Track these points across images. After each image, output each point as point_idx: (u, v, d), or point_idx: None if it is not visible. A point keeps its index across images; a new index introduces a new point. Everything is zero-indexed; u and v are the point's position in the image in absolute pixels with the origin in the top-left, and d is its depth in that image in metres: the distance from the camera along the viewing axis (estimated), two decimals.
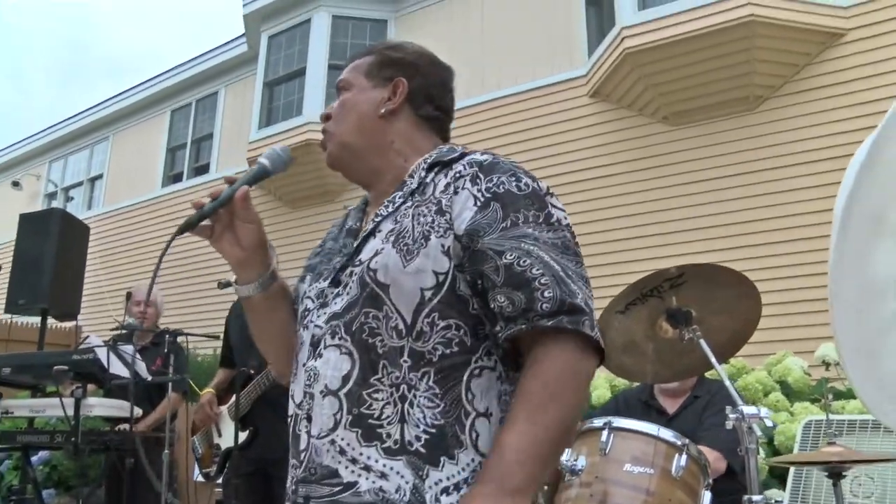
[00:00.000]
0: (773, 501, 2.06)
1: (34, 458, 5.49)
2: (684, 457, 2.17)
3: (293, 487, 1.22)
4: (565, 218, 1.25)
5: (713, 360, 2.21)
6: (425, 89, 1.43)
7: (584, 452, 2.29)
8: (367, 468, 1.13)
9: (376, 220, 1.29)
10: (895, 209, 1.05)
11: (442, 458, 1.12)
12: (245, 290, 1.36)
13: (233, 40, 11.59)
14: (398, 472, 1.11)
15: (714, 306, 2.42)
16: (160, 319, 5.14)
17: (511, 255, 1.13)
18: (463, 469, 1.12)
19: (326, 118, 1.42)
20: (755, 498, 1.88)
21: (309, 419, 1.21)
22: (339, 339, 1.20)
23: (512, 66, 8.57)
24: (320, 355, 1.22)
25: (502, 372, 1.19)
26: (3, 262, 13.67)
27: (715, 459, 2.48)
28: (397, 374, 1.15)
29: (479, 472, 1.10)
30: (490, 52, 8.81)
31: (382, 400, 1.14)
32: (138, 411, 4.17)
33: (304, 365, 1.26)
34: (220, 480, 3.94)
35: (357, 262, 1.25)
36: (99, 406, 3.91)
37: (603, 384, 5.15)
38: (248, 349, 3.63)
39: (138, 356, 4.14)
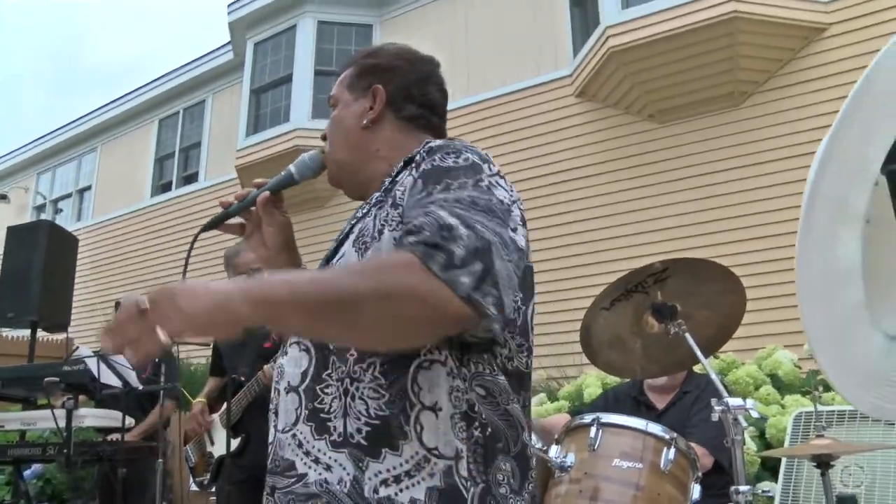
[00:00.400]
0: (760, 492, 2.07)
1: (27, 472, 5.48)
2: (672, 450, 2.19)
3: (267, 478, 1.26)
4: (506, 193, 1.17)
5: (699, 353, 2.23)
6: (404, 90, 1.40)
7: (573, 449, 2.31)
8: (317, 460, 1.16)
9: (352, 222, 1.31)
10: (855, 197, 1.07)
11: (384, 451, 1.12)
12: None
13: (219, 48, 11.58)
14: (341, 465, 1.13)
15: (699, 300, 2.44)
16: None
17: (410, 225, 1.08)
18: (406, 461, 1.11)
19: (324, 138, 1.45)
20: (742, 488, 1.90)
21: (276, 413, 1.26)
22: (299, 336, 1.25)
23: (497, 68, 8.59)
24: (286, 353, 1.27)
25: (454, 367, 1.15)
26: None
27: (702, 455, 2.49)
28: (344, 368, 1.16)
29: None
30: (475, 55, 8.84)
31: (332, 394, 1.17)
32: (130, 421, 4.17)
33: (276, 362, 1.32)
34: (213, 489, 3.94)
35: (335, 265, 1.28)
36: (90, 417, 3.90)
37: (594, 382, 5.17)
38: (238, 356, 3.63)
39: (129, 365, 4.13)
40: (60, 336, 9.05)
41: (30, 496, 4.40)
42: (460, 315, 1.01)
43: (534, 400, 5.86)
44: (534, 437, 2.64)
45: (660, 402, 3.21)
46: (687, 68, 6.82)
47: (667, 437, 2.23)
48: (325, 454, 1.15)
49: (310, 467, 1.16)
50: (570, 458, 2.27)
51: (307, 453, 1.17)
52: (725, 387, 2.21)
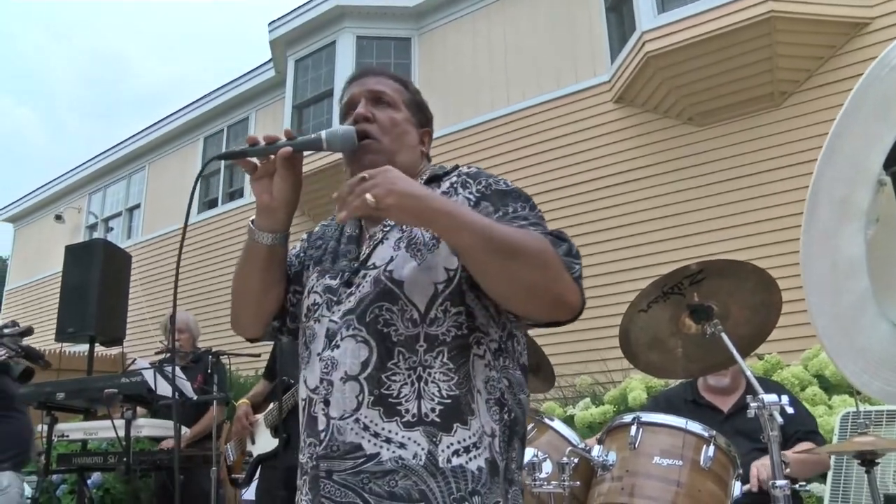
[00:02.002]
0: (798, 486, 2.09)
1: (87, 482, 5.66)
2: (712, 448, 2.22)
3: (313, 463, 1.35)
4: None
5: (734, 352, 2.25)
6: (430, 140, 1.63)
7: (614, 448, 2.35)
8: (389, 440, 1.27)
9: (384, 229, 1.43)
10: (858, 193, 1.11)
11: (455, 425, 1.27)
12: (259, 236, 1.46)
13: (260, 66, 11.83)
14: (415, 441, 1.26)
15: (735, 300, 2.46)
16: (199, 342, 5.28)
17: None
18: (473, 434, 1.28)
19: (365, 119, 1.49)
20: (779, 483, 1.92)
21: (326, 402, 1.34)
22: (354, 329, 1.34)
23: (535, 77, 8.64)
24: (337, 346, 1.36)
25: (490, 360, 1.34)
26: (51, 293, 14.03)
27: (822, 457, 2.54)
28: (414, 358, 1.30)
29: None
30: (513, 64, 8.90)
31: (400, 381, 1.29)
32: (185, 430, 4.31)
33: (318, 355, 1.39)
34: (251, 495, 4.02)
35: (371, 266, 1.39)
36: (148, 427, 4.04)
37: (638, 385, 5.18)
38: (293, 359, 3.73)
39: (183, 377, 4.27)
40: (116, 350, 9.33)
41: (95, 502, 4.56)
42: (573, 291, 1.25)
43: (579, 404, 5.91)
44: (576, 436, 2.70)
45: (723, 405, 3.15)
46: (725, 70, 6.79)
47: (706, 434, 2.26)
48: (397, 434, 1.27)
49: (381, 447, 1.27)
50: (612, 457, 2.31)
51: (376, 435, 1.28)
52: (781, 386, 2.24)
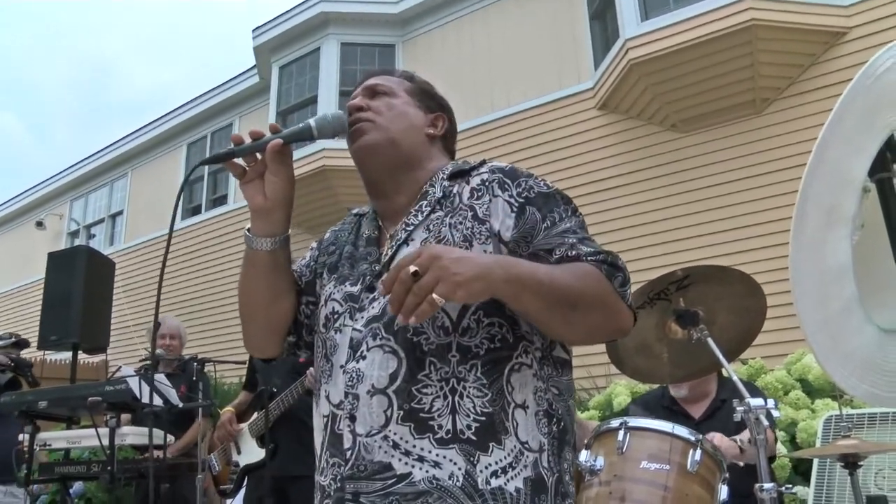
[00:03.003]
0: (783, 489, 2.11)
1: (70, 492, 5.60)
2: (699, 452, 2.23)
3: (337, 485, 1.26)
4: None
5: (720, 356, 2.28)
6: (453, 132, 1.58)
7: (601, 453, 2.36)
8: (421, 458, 1.20)
9: (408, 228, 1.36)
10: (845, 201, 1.14)
11: (491, 444, 1.20)
12: (257, 243, 1.38)
13: (244, 72, 11.81)
14: (451, 460, 1.19)
15: (720, 306, 2.49)
16: (184, 350, 5.26)
17: (560, 251, 1.26)
18: (508, 454, 1.21)
19: (358, 109, 1.44)
20: (766, 486, 1.94)
21: (352, 419, 1.26)
22: (381, 339, 1.27)
23: (520, 83, 8.68)
24: (363, 357, 1.28)
25: (538, 370, 1.28)
26: (34, 300, 13.90)
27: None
28: (446, 368, 1.23)
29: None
30: (498, 71, 8.94)
31: (432, 394, 1.22)
32: (170, 438, 4.27)
33: (342, 367, 1.31)
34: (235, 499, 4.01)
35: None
36: (132, 434, 4.00)
37: (623, 391, 5.20)
38: (273, 370, 3.73)
39: (169, 384, 4.25)
40: (97, 358, 9.25)
41: None
42: (630, 322, 1.27)
43: None
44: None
45: (695, 411, 3.19)
46: (707, 77, 6.87)
47: (692, 438, 2.27)
48: (430, 452, 1.19)
49: (413, 466, 1.19)
50: (600, 462, 2.32)
51: (407, 453, 1.20)
52: (759, 390, 2.27)
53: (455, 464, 1.18)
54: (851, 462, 2.41)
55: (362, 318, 1.32)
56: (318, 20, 10.08)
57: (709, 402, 3.19)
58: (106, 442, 3.66)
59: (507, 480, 1.19)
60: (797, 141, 6.48)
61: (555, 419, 1.28)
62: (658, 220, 7.19)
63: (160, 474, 3.93)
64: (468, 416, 1.20)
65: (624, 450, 2.29)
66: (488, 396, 1.22)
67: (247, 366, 4.22)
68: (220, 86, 12.26)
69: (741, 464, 2.39)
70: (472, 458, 1.19)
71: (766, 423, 1.97)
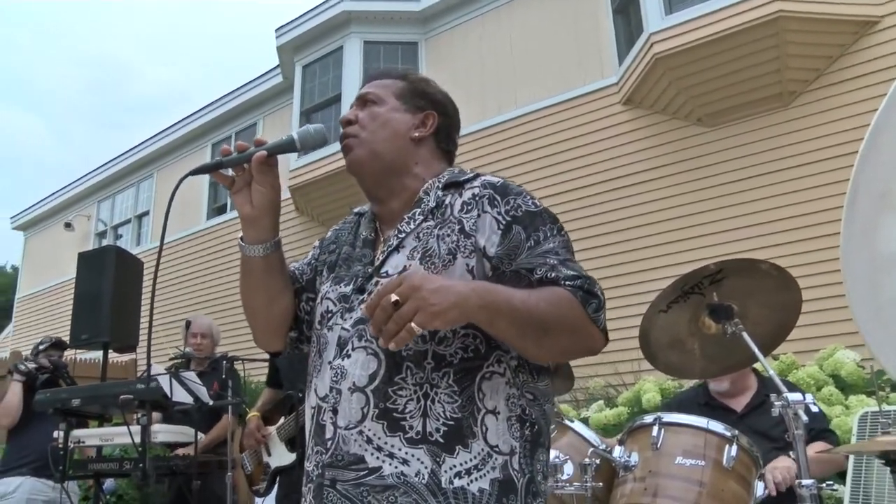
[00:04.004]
0: (825, 485, 2.07)
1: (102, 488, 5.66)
2: (735, 448, 2.21)
3: (318, 471, 1.35)
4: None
5: (756, 351, 2.25)
6: (448, 128, 1.59)
7: (636, 449, 2.35)
8: (391, 455, 1.27)
9: (399, 235, 1.43)
10: None
11: (457, 447, 1.28)
12: (249, 250, 1.46)
13: (268, 72, 11.87)
14: (419, 459, 1.27)
15: (754, 299, 2.46)
16: (217, 349, 5.29)
17: (541, 271, 1.32)
18: (475, 457, 1.28)
19: (348, 123, 1.52)
20: (806, 482, 1.92)
21: (335, 411, 1.34)
22: (366, 341, 1.35)
23: (543, 80, 8.64)
24: (348, 355, 1.36)
25: (511, 378, 1.35)
26: (64, 300, 14.07)
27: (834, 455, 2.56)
28: (421, 374, 1.30)
29: None
30: (521, 68, 8.90)
31: (406, 396, 1.30)
32: (201, 436, 4.31)
33: (329, 363, 1.39)
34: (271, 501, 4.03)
35: (384, 275, 1.39)
36: (163, 432, 4.04)
37: (652, 388, 5.17)
38: (294, 371, 3.73)
39: (200, 382, 4.28)
40: (125, 357, 9.34)
41: None
42: (601, 344, 1.33)
43: (592, 407, 5.90)
44: (597, 437, 2.69)
45: (736, 405, 3.15)
46: (733, 70, 6.78)
47: (728, 434, 2.25)
48: (400, 450, 1.27)
49: (384, 461, 1.27)
50: (634, 458, 2.31)
51: (379, 448, 1.28)
52: (797, 387, 2.25)
53: (422, 462, 1.26)
54: (893, 459, 2.36)
55: (351, 318, 1.39)
56: (341, 19, 10.10)
57: (751, 396, 3.14)
58: (138, 439, 3.70)
59: (472, 481, 1.26)
60: (826, 133, 6.40)
61: (528, 423, 1.34)
62: (685, 214, 7.12)
63: (191, 471, 3.96)
64: (437, 419, 1.28)
65: (658, 445, 2.28)
66: (458, 403, 1.29)
67: (269, 363, 4.23)
68: (243, 86, 12.34)
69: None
70: (438, 459, 1.26)
71: (804, 418, 1.94)
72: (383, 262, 1.41)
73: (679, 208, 7.19)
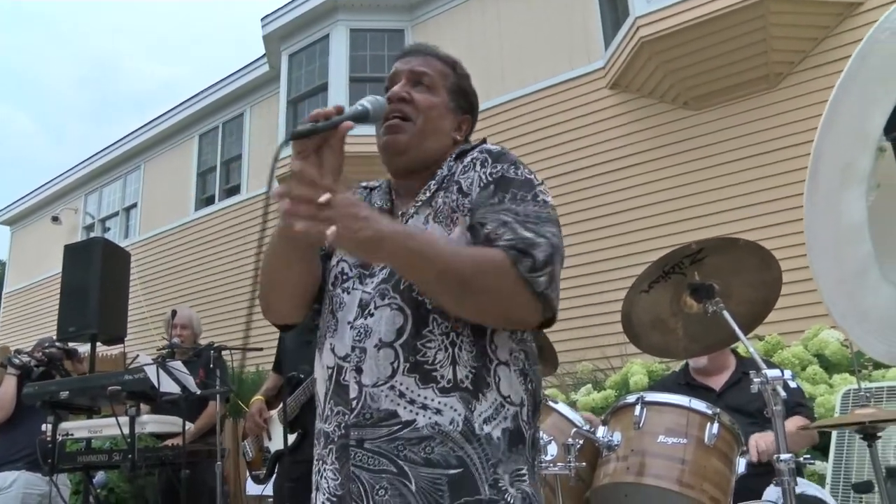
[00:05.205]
0: (801, 459, 2.10)
1: (93, 481, 5.66)
2: (716, 425, 2.23)
3: (341, 432, 1.34)
4: (552, 203, 1.41)
5: (737, 329, 2.26)
6: (473, 127, 1.68)
7: (619, 428, 2.36)
8: (425, 406, 1.29)
9: (416, 204, 1.46)
10: (859, 160, 1.12)
11: (480, 394, 1.31)
12: None
13: (254, 62, 11.79)
14: (452, 407, 1.29)
15: (736, 278, 2.47)
16: (199, 340, 5.27)
17: (490, 226, 1.32)
18: (491, 405, 1.31)
19: (401, 100, 1.50)
20: (784, 456, 1.93)
21: (358, 371, 1.34)
22: (389, 298, 1.36)
23: (531, 65, 8.64)
24: (371, 314, 1.37)
25: (510, 332, 1.37)
26: (50, 295, 14.03)
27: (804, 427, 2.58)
28: (447, 324, 1.32)
29: None
30: (508, 53, 8.89)
31: (434, 347, 1.32)
32: (189, 425, 4.30)
33: (350, 323, 1.39)
34: (270, 490, 4.04)
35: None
36: (151, 423, 4.04)
37: (640, 370, 5.20)
38: (301, 355, 3.74)
39: (186, 371, 4.27)
40: (114, 350, 9.32)
41: (100, 501, 4.57)
42: (530, 309, 1.28)
43: (580, 390, 5.92)
44: (580, 419, 2.71)
45: (715, 383, 3.21)
46: (719, 53, 6.79)
47: (709, 412, 2.27)
48: (433, 400, 1.29)
49: (417, 413, 1.29)
50: (617, 437, 2.33)
51: (412, 402, 1.29)
52: (775, 365, 2.27)
53: (455, 410, 1.29)
54: (870, 434, 2.39)
55: (372, 282, 1.40)
56: (327, 6, 10.04)
57: (728, 375, 3.22)
58: (126, 431, 3.69)
59: (493, 428, 1.30)
60: (812, 115, 6.40)
61: (528, 378, 1.38)
62: (672, 198, 7.15)
63: (180, 461, 3.96)
64: (465, 367, 1.31)
65: (641, 425, 2.29)
66: (474, 353, 1.32)
67: (277, 347, 4.23)
68: (229, 76, 12.26)
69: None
70: (469, 406, 1.29)
71: (783, 394, 1.95)
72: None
73: (666, 192, 7.21)
